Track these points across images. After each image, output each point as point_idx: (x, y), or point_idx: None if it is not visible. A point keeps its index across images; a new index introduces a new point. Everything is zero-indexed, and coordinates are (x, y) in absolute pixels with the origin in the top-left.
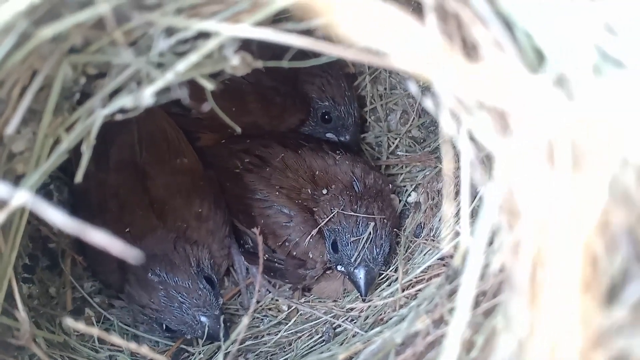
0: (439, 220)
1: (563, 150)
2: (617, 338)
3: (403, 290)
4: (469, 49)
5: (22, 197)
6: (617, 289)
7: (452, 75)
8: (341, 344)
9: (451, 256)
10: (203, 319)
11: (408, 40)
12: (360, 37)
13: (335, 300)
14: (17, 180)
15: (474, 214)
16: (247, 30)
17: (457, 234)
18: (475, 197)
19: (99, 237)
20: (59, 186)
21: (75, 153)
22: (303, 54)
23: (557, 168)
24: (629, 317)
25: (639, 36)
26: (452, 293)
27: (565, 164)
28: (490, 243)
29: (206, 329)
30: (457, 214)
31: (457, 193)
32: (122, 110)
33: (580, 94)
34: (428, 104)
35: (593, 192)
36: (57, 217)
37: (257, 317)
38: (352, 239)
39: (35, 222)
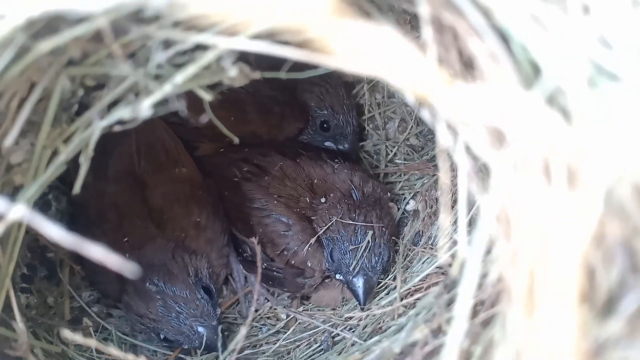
0: (438, 228)
1: (558, 163)
2: (614, 350)
3: (401, 299)
4: (466, 61)
5: (19, 211)
6: (615, 301)
7: (446, 94)
8: (340, 353)
9: (449, 265)
10: (200, 329)
11: (401, 62)
12: (354, 59)
13: (334, 309)
14: (15, 191)
15: (471, 223)
16: (244, 43)
17: (454, 243)
18: (473, 206)
19: (96, 251)
20: (58, 196)
21: (74, 163)
22: (301, 64)
23: (552, 180)
24: (626, 328)
25: (634, 49)
26: (451, 302)
27: (561, 177)
28: (488, 253)
29: (204, 339)
30: (455, 222)
31: (455, 202)
32: (120, 122)
33: (575, 108)
34: (425, 114)
35: (588, 204)
36: (53, 231)
37: (256, 326)
38: (351, 247)
39: (33, 232)
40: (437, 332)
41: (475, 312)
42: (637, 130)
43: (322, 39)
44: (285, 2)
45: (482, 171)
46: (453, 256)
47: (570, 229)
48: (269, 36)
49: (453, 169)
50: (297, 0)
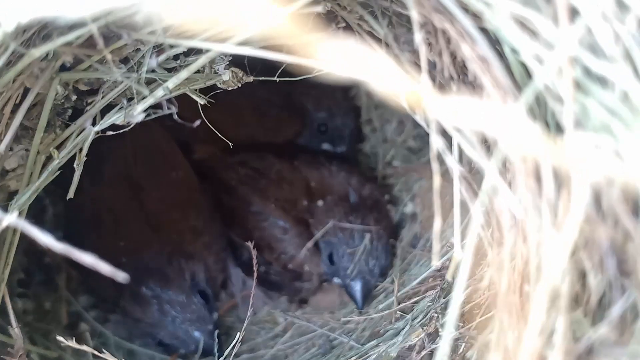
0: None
1: (547, 168)
2: (603, 354)
3: (399, 303)
4: (460, 64)
5: (10, 218)
6: (605, 304)
7: (435, 102)
8: (337, 357)
9: (446, 268)
10: (196, 333)
11: (372, 70)
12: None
13: (332, 313)
14: (10, 196)
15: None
16: (234, 47)
17: (450, 247)
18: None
19: (87, 258)
20: (54, 200)
21: (69, 167)
22: (295, 67)
23: (542, 185)
24: (615, 332)
25: (622, 54)
26: (447, 306)
27: (550, 182)
28: (485, 257)
29: (200, 343)
30: (450, 227)
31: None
32: (113, 127)
33: (564, 112)
34: (419, 118)
35: (576, 208)
36: (45, 238)
37: (254, 330)
38: (348, 250)
39: (30, 237)
40: (434, 336)
41: (472, 316)
42: (626, 135)
43: (303, 47)
44: (247, 16)
45: (479, 174)
46: (450, 259)
47: (559, 233)
48: (260, 40)
49: (448, 173)
50: (257, 14)
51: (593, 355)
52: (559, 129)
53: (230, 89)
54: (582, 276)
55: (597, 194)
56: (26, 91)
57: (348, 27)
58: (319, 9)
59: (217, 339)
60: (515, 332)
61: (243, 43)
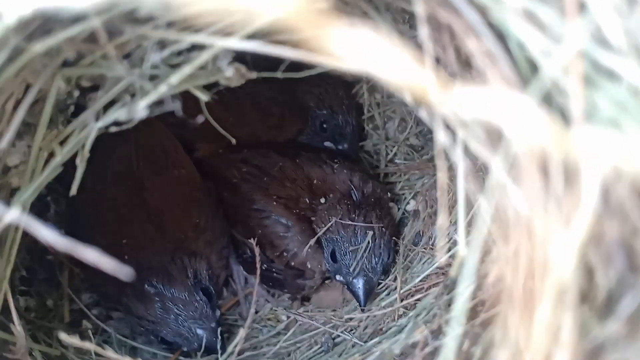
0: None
1: (555, 163)
2: (612, 351)
3: (402, 300)
4: (464, 60)
5: (13, 214)
6: (614, 301)
7: (442, 95)
8: (340, 355)
9: (449, 265)
10: (199, 331)
11: (386, 62)
12: (349, 59)
13: (334, 310)
14: (12, 193)
15: (472, 224)
16: (239, 42)
17: (453, 243)
18: (473, 207)
19: (90, 254)
20: (57, 198)
21: (72, 165)
22: (299, 64)
23: (550, 180)
24: (624, 329)
25: (631, 47)
26: (451, 303)
27: (558, 176)
28: (489, 253)
29: (203, 341)
30: (455, 223)
31: (454, 202)
32: (116, 123)
33: (573, 106)
34: (423, 114)
35: (584, 203)
36: (47, 234)
37: (256, 328)
38: (351, 248)
39: (33, 234)
40: (438, 333)
41: (476, 313)
42: (636, 129)
43: (311, 39)
44: (254, 9)
45: (482, 171)
46: (453, 256)
47: (568, 228)
48: (265, 36)
49: (452, 169)
50: (265, 6)
51: (602, 352)
52: (566, 123)
53: (233, 85)
54: (590, 272)
55: (606, 189)
56: (28, 87)
57: (352, 24)
58: (323, 3)
59: (219, 337)
60: (521, 329)
61: (248, 38)
